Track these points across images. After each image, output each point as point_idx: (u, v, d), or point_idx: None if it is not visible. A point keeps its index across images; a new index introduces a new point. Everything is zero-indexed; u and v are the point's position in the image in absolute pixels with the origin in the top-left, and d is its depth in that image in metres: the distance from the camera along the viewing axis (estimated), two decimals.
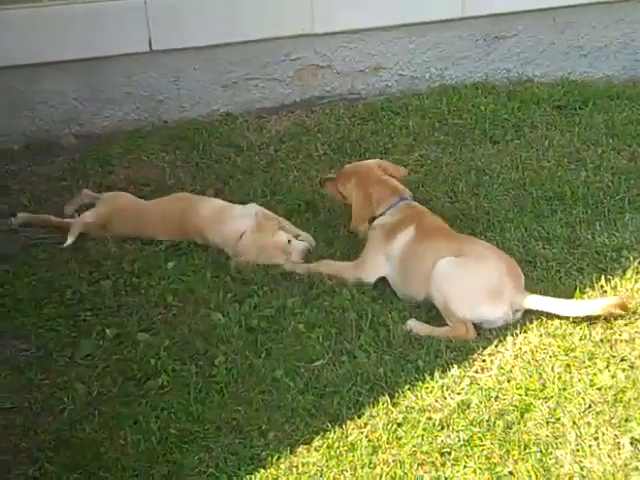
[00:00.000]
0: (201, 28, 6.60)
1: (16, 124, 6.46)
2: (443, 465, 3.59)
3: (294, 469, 3.61)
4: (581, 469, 3.56)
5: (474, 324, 4.38)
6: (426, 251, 4.61)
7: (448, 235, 4.77)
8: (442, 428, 3.77)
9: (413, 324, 4.43)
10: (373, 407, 3.90)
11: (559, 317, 4.40)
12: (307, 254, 5.03)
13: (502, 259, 4.56)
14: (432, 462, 3.60)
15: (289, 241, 4.98)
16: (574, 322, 4.37)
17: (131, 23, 6.44)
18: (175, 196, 5.48)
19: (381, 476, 3.55)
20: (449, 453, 3.65)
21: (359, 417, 3.85)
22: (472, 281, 4.44)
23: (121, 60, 6.56)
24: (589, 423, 3.77)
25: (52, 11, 6.30)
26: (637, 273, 4.74)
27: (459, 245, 4.61)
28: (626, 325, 4.36)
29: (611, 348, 4.21)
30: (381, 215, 4.93)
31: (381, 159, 5.45)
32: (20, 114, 6.46)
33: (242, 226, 5.04)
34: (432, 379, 4.05)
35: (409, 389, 3.99)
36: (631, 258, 4.85)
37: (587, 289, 4.63)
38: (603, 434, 3.71)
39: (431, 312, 4.54)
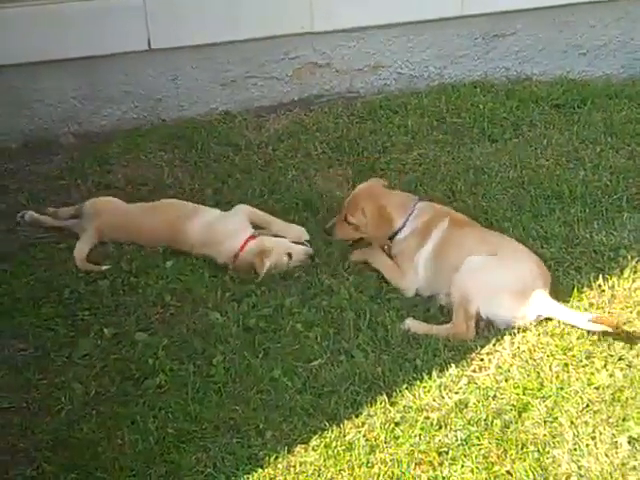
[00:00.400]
0: (200, 27, 6.59)
1: (15, 123, 6.46)
2: (441, 464, 3.60)
3: (292, 468, 3.62)
4: (579, 468, 3.56)
5: (477, 323, 4.40)
6: (462, 240, 4.67)
7: (482, 229, 4.88)
8: (440, 427, 3.78)
9: (411, 323, 4.43)
10: (371, 406, 3.91)
11: None
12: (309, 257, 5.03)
13: (534, 260, 4.58)
14: (430, 461, 3.61)
15: (289, 255, 4.95)
16: None
17: (130, 22, 6.43)
18: (162, 206, 5.31)
19: (379, 475, 3.56)
20: (447, 452, 3.65)
21: (357, 416, 3.86)
22: (500, 277, 4.46)
23: (120, 59, 6.55)
24: (587, 422, 3.78)
25: (51, 10, 6.29)
26: (635, 272, 4.74)
27: (494, 238, 4.72)
28: (624, 324, 4.35)
29: (609, 347, 4.21)
30: (402, 227, 4.88)
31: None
32: (19, 113, 6.46)
33: (236, 245, 4.97)
34: (430, 378, 4.05)
35: (407, 388, 4.00)
36: (629, 257, 4.86)
37: (585, 288, 4.64)
38: (601, 433, 3.71)
39: (428, 312, 4.55)
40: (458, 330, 4.37)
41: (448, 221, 4.79)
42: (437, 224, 4.79)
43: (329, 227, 5.09)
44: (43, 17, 6.25)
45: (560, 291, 4.60)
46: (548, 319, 4.39)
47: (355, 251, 5.00)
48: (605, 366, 4.09)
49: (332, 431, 3.77)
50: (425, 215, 4.88)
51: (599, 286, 4.65)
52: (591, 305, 4.51)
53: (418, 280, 4.75)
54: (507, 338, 4.30)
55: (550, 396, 3.92)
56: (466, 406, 3.89)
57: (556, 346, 4.22)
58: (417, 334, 4.37)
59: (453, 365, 4.13)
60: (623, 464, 3.57)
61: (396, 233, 4.89)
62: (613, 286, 4.65)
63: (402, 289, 4.75)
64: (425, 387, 4.01)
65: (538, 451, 3.64)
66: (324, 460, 3.64)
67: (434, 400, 3.94)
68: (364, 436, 3.75)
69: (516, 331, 4.34)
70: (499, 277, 4.46)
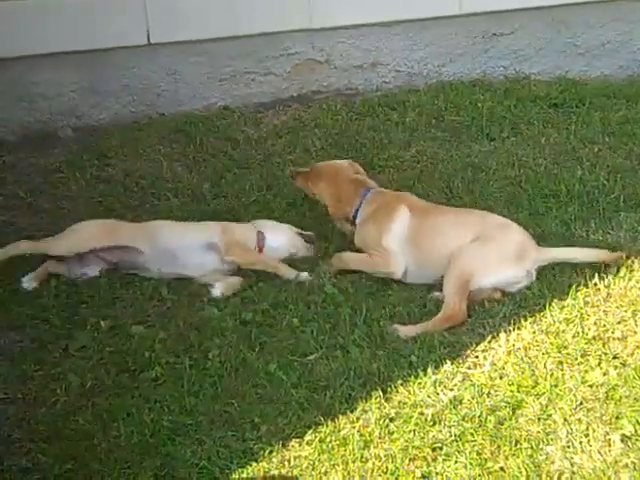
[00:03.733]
0: (199, 22, 6.61)
1: (14, 116, 6.47)
2: (434, 460, 3.60)
3: (286, 462, 3.61)
4: (571, 465, 3.56)
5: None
6: (441, 228, 4.74)
7: (449, 209, 4.98)
8: (434, 423, 3.78)
9: (400, 328, 4.40)
10: (366, 402, 3.91)
11: (552, 314, 4.43)
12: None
13: (513, 224, 4.79)
14: (424, 457, 3.61)
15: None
16: (567, 319, 4.39)
17: (130, 16, 6.45)
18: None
19: (373, 470, 3.56)
20: (440, 448, 3.65)
21: (352, 411, 3.86)
22: (497, 247, 4.62)
23: (119, 53, 6.57)
24: (580, 420, 3.78)
25: (51, 3, 6.31)
26: (630, 271, 4.74)
27: (471, 217, 4.81)
28: (619, 323, 4.37)
29: (603, 345, 4.22)
30: (354, 217, 4.98)
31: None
32: (18, 106, 6.47)
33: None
34: (425, 375, 4.05)
35: (402, 384, 4.00)
36: (624, 256, 4.86)
37: (581, 286, 4.63)
38: (594, 431, 3.71)
39: (424, 308, 4.57)
40: (452, 312, 4.40)
41: (409, 209, 4.81)
42: (393, 212, 4.81)
43: (294, 172, 5.26)
44: (43, 10, 6.27)
45: (556, 289, 4.61)
46: (543, 316, 4.41)
47: (326, 263, 4.95)
48: (599, 364, 4.09)
49: (327, 426, 3.77)
50: (372, 204, 4.93)
51: (595, 284, 4.65)
52: (586, 303, 4.52)
53: (400, 259, 4.75)
54: (502, 335, 4.30)
55: (544, 393, 3.92)
56: (460, 403, 3.90)
57: (551, 344, 4.23)
58: (409, 336, 4.35)
59: (448, 362, 4.14)
60: (616, 462, 3.57)
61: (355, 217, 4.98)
62: (609, 285, 4.66)
63: (389, 272, 4.76)
64: (420, 383, 4.01)
65: (532, 448, 3.64)
66: (318, 454, 3.64)
67: (429, 396, 3.94)
68: (359, 431, 3.74)
69: (511, 328, 4.34)
70: (495, 247, 4.62)
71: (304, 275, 4.80)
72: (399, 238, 4.76)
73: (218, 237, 4.88)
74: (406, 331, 4.38)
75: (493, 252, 4.61)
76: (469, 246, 4.58)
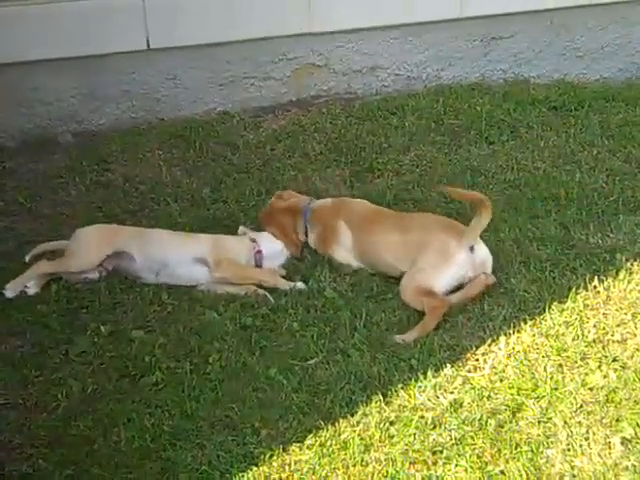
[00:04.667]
0: (199, 27, 6.61)
1: (13, 121, 6.47)
2: (435, 464, 3.61)
3: (286, 467, 3.62)
4: (572, 468, 3.57)
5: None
6: (376, 247, 4.88)
7: (378, 220, 5.02)
8: (434, 427, 3.79)
9: (399, 338, 4.40)
10: (366, 405, 3.91)
11: (552, 317, 4.43)
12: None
13: (437, 224, 4.85)
14: (424, 460, 3.62)
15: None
16: (567, 322, 4.40)
17: (129, 21, 6.45)
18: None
19: (373, 474, 3.56)
20: (441, 452, 3.66)
21: (352, 415, 3.86)
22: (428, 256, 4.66)
23: (119, 58, 6.57)
24: (580, 423, 3.79)
25: (50, 8, 6.30)
26: (630, 274, 4.76)
27: (400, 221, 4.96)
28: (618, 326, 4.38)
29: (603, 348, 4.23)
30: (306, 238, 5.14)
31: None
32: (17, 111, 6.47)
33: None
34: (425, 378, 4.06)
35: (402, 388, 4.00)
36: (624, 259, 4.87)
37: (580, 289, 4.65)
38: (594, 434, 3.72)
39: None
40: (434, 307, 4.47)
41: (345, 225, 5.00)
42: (335, 229, 5.02)
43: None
44: (42, 16, 6.27)
45: (555, 292, 4.63)
46: (543, 319, 4.42)
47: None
48: (599, 367, 4.10)
49: (327, 430, 3.78)
50: (316, 227, 5.11)
51: (594, 287, 4.67)
52: (586, 306, 4.53)
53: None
54: (502, 339, 4.31)
55: (544, 396, 3.93)
56: (461, 406, 3.91)
57: (551, 347, 4.24)
58: (411, 341, 4.36)
59: (448, 365, 4.15)
60: (616, 464, 3.58)
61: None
62: (608, 287, 4.67)
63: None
64: (420, 387, 4.02)
65: (532, 451, 3.65)
66: (319, 459, 3.64)
67: (429, 400, 3.95)
68: (359, 435, 3.75)
69: (511, 332, 4.35)
70: (427, 258, 4.66)
71: (300, 285, 4.80)
72: (346, 250, 4.98)
73: (208, 252, 4.87)
74: (405, 338, 4.39)
75: (427, 262, 4.65)
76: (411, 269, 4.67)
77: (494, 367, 4.15)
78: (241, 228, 5.16)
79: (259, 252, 4.99)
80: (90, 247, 4.87)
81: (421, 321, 4.46)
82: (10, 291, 4.73)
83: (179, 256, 4.87)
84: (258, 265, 4.97)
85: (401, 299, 4.63)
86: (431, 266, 4.63)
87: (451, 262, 4.62)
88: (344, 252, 4.97)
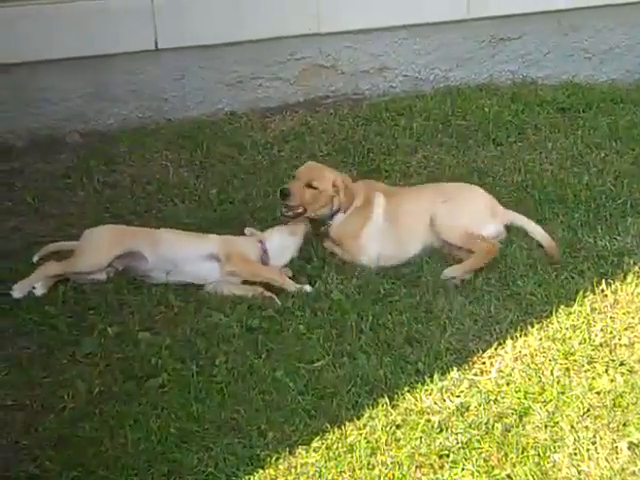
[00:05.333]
0: (207, 27, 6.62)
1: (21, 121, 6.47)
2: (441, 467, 3.61)
3: (293, 470, 3.62)
4: (579, 473, 3.57)
5: None
6: (414, 207, 5.13)
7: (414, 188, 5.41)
8: (441, 430, 3.78)
9: (449, 272, 4.77)
10: (372, 409, 3.91)
11: (559, 321, 4.43)
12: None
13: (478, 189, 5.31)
14: (430, 464, 3.61)
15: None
16: (574, 326, 4.39)
17: (137, 21, 6.46)
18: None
19: (379, 478, 3.56)
20: (447, 455, 3.66)
21: (358, 418, 3.86)
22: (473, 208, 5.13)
23: (127, 58, 6.58)
24: (587, 427, 3.78)
25: (59, 9, 6.32)
26: (638, 277, 4.76)
27: (446, 189, 5.29)
28: (626, 329, 4.38)
29: (610, 352, 4.23)
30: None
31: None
32: (25, 111, 6.48)
33: None
34: (432, 381, 4.06)
35: (408, 391, 4.00)
36: (632, 262, 4.87)
37: (588, 292, 4.65)
38: (601, 438, 3.72)
39: (431, 313, 4.56)
40: (488, 250, 4.85)
41: (383, 195, 5.17)
42: (372, 201, 5.15)
43: (286, 189, 5.12)
44: (50, 16, 6.28)
45: (563, 295, 4.62)
46: (550, 323, 4.41)
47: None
48: (606, 371, 4.10)
49: (333, 433, 3.78)
50: (360, 196, 5.17)
51: (602, 291, 4.66)
52: (593, 310, 4.52)
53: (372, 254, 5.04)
54: (509, 342, 4.31)
55: (551, 400, 3.93)
56: (467, 409, 3.90)
57: (558, 350, 4.23)
58: (456, 277, 4.76)
59: (455, 368, 4.14)
60: (623, 469, 3.58)
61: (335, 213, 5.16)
62: (616, 291, 4.67)
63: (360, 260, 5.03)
64: (427, 390, 4.02)
65: (539, 455, 3.64)
66: (325, 462, 3.64)
67: (435, 403, 3.94)
68: (365, 438, 3.75)
69: (518, 335, 4.35)
70: (472, 206, 5.15)
71: (307, 288, 4.79)
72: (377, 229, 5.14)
73: (219, 248, 4.90)
74: (456, 273, 4.75)
75: (470, 210, 5.12)
76: (452, 212, 5.04)
77: (501, 371, 4.14)
78: (247, 229, 5.16)
79: (265, 251, 4.99)
80: (99, 247, 4.87)
81: (468, 260, 4.77)
82: (17, 292, 4.73)
83: (190, 254, 4.88)
84: (264, 263, 4.97)
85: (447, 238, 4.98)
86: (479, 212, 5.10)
87: (494, 219, 5.10)
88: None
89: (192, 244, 4.95)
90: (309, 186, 5.08)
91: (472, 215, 5.08)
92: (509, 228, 5.17)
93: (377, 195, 5.15)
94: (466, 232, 4.93)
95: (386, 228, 5.08)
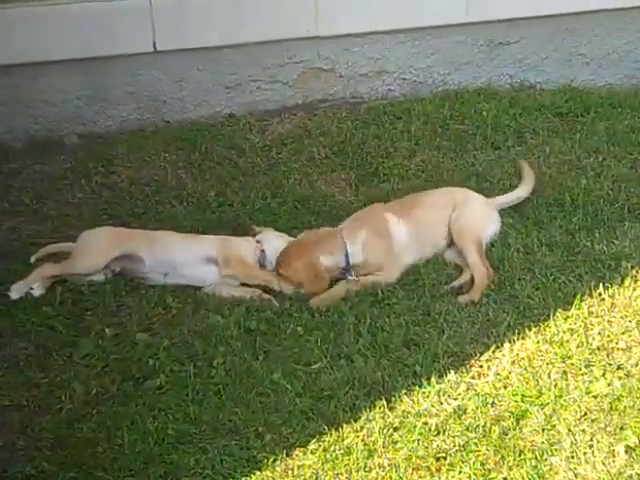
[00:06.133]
0: (205, 29, 6.61)
1: (19, 122, 6.47)
2: (438, 470, 3.60)
3: (290, 472, 3.62)
4: (575, 476, 3.57)
5: None
6: (429, 219, 5.17)
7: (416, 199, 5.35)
8: (438, 433, 3.78)
9: (466, 298, 4.73)
10: (370, 411, 3.91)
11: (556, 324, 4.43)
12: None
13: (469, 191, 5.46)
14: (427, 467, 3.62)
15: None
16: (571, 329, 4.39)
17: (136, 23, 6.45)
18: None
19: None
20: (444, 458, 3.65)
21: (355, 421, 3.86)
22: (477, 208, 5.29)
23: (125, 60, 6.57)
24: (584, 430, 3.78)
25: (56, 10, 6.31)
26: (635, 281, 4.75)
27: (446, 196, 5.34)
28: (623, 333, 4.37)
29: (608, 356, 4.23)
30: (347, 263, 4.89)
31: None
32: (23, 112, 6.47)
33: None
34: (429, 384, 4.06)
35: (406, 394, 4.00)
36: (629, 266, 4.85)
37: (585, 296, 4.64)
38: (598, 442, 3.72)
39: (428, 315, 4.56)
40: (486, 271, 4.83)
41: (393, 214, 5.07)
42: (384, 223, 5.03)
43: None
44: (49, 17, 6.28)
45: (560, 299, 4.62)
46: (547, 326, 4.42)
47: (314, 299, 4.76)
48: (604, 375, 4.10)
49: (331, 435, 3.78)
50: (359, 235, 4.94)
51: (599, 294, 4.66)
52: (591, 313, 4.52)
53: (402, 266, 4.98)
54: (506, 345, 4.31)
55: (548, 404, 3.93)
56: (464, 412, 3.90)
57: (555, 354, 4.24)
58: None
59: (452, 371, 4.14)
60: (620, 473, 3.58)
61: (346, 269, 4.88)
62: (613, 295, 4.67)
63: (393, 282, 4.90)
64: (424, 393, 4.02)
65: (536, 458, 3.64)
66: (322, 464, 3.65)
67: (433, 406, 3.94)
68: (362, 440, 3.75)
69: (515, 338, 4.35)
70: (478, 210, 5.28)
71: (303, 290, 4.78)
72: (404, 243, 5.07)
73: (217, 251, 4.90)
74: (469, 298, 4.72)
75: (480, 211, 5.26)
76: (463, 214, 5.14)
77: (498, 374, 4.14)
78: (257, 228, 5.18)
79: (262, 251, 4.99)
80: (96, 249, 4.88)
81: (475, 286, 4.78)
82: (15, 293, 4.74)
83: (188, 256, 4.89)
84: (262, 265, 4.97)
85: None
86: (481, 217, 5.25)
87: (495, 217, 5.31)
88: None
89: (190, 246, 4.95)
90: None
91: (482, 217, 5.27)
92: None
93: (386, 215, 5.04)
94: (477, 236, 5.05)
95: (409, 239, 5.03)
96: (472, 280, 4.82)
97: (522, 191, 5.56)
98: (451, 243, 5.12)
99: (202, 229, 5.27)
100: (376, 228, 4.98)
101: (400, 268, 4.93)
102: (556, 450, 3.69)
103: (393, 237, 4.97)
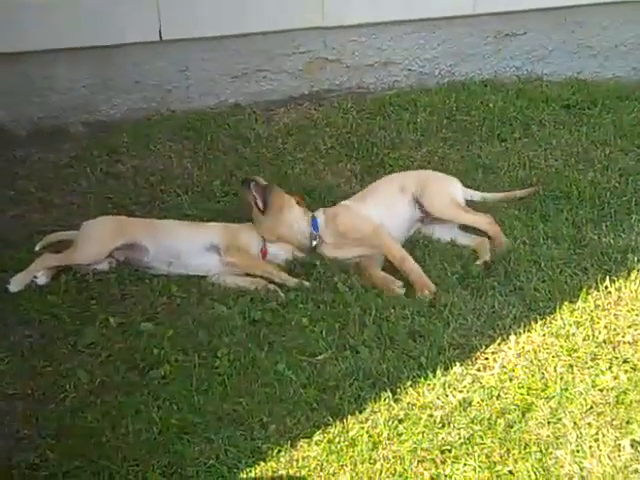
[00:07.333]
0: (211, 18, 6.58)
1: (25, 110, 6.45)
2: (443, 462, 3.60)
3: (294, 462, 3.62)
4: (581, 470, 3.56)
5: None
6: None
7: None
8: (443, 425, 3.78)
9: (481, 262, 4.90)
10: (375, 403, 3.91)
11: (563, 317, 4.42)
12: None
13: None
14: (432, 459, 3.61)
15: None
16: (578, 322, 4.38)
17: (142, 12, 6.43)
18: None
19: (381, 472, 3.56)
20: (449, 451, 3.65)
21: (360, 412, 3.86)
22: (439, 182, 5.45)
23: (131, 49, 6.54)
24: (590, 424, 3.78)
25: None
26: None
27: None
28: (629, 327, 4.36)
29: (614, 349, 4.22)
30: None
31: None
32: (29, 100, 6.45)
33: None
34: (434, 376, 4.05)
35: (411, 385, 4.00)
36: (636, 259, 4.85)
37: (592, 289, 4.63)
38: (604, 435, 3.71)
39: (434, 307, 4.54)
40: (489, 221, 5.16)
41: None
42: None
43: None
44: (55, 5, 6.24)
45: (566, 292, 4.61)
46: (553, 319, 4.40)
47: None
48: (610, 368, 4.09)
49: (335, 426, 3.78)
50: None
51: (606, 287, 4.65)
52: (597, 307, 4.51)
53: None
54: (512, 338, 4.30)
55: (554, 397, 3.92)
56: (470, 405, 3.90)
57: (561, 347, 4.23)
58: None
59: (458, 363, 4.14)
60: (625, 467, 3.58)
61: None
62: (620, 288, 4.65)
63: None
64: (429, 385, 4.01)
65: (541, 452, 3.64)
66: (327, 455, 3.64)
67: (438, 398, 3.94)
68: (367, 432, 3.75)
69: (521, 331, 4.34)
70: (435, 179, 5.47)
71: (306, 284, 4.76)
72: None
73: (219, 238, 4.90)
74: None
75: (439, 179, 5.45)
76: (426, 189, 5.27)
77: (504, 366, 4.14)
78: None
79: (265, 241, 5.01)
80: (97, 239, 4.86)
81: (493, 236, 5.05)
82: (14, 285, 4.70)
83: (191, 245, 4.88)
84: (265, 254, 4.98)
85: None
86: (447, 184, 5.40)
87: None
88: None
89: (193, 234, 4.95)
90: None
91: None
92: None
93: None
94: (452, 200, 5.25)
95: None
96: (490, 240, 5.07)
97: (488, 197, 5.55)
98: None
99: (207, 218, 5.26)
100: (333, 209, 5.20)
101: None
102: (561, 443, 3.69)
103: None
